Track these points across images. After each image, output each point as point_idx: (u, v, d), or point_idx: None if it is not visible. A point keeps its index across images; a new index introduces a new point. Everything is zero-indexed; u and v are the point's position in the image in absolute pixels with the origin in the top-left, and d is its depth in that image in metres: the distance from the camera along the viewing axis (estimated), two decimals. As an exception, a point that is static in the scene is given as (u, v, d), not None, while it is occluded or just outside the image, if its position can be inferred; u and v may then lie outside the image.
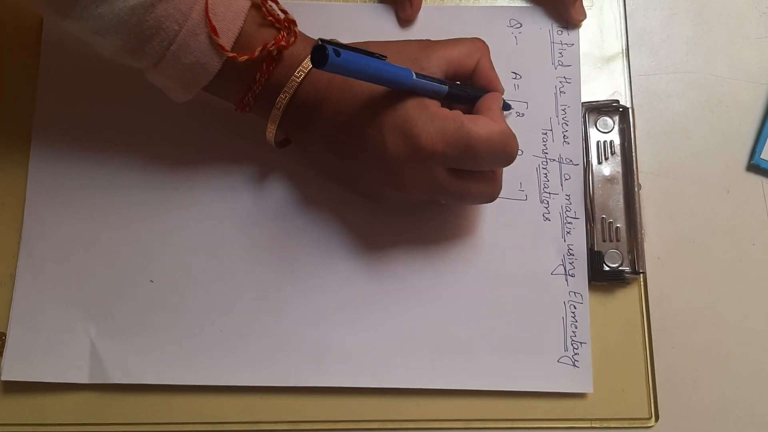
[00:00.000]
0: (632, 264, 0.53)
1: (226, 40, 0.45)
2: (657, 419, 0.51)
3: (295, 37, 0.47)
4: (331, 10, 0.57)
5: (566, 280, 0.52)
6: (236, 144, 0.54)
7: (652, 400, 0.52)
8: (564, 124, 0.55)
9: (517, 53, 0.56)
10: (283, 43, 0.46)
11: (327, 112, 0.47)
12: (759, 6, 0.58)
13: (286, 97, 0.47)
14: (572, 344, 0.51)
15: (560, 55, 0.56)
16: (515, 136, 0.46)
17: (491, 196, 0.49)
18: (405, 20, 0.57)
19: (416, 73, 0.45)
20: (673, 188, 0.55)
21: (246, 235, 0.53)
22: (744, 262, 0.54)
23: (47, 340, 0.51)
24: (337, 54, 0.39)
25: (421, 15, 0.57)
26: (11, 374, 0.51)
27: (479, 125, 0.45)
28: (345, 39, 0.56)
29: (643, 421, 0.51)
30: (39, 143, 0.54)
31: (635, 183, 0.53)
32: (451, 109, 0.47)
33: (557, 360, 0.51)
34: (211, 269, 0.52)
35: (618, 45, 0.57)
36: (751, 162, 0.55)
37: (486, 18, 0.57)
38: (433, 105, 0.46)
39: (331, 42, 0.40)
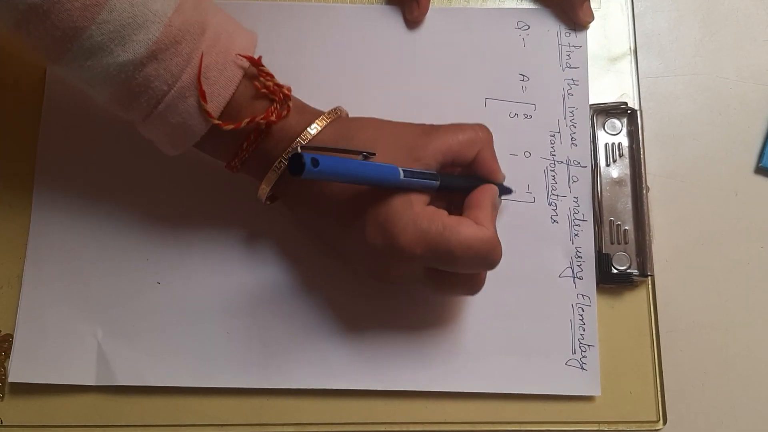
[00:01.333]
0: (640, 267, 0.53)
1: (215, 106, 0.44)
2: (665, 422, 0.51)
3: (288, 111, 0.46)
4: (338, 11, 0.57)
5: (574, 282, 0.52)
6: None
7: (660, 403, 0.51)
8: (572, 126, 0.55)
9: (525, 55, 0.56)
10: (273, 117, 0.45)
11: (316, 187, 0.46)
12: (767, 8, 0.57)
13: (282, 164, 0.46)
14: (580, 347, 0.51)
15: (568, 57, 0.56)
16: (499, 243, 0.44)
17: (472, 292, 0.47)
18: (412, 22, 0.57)
19: (404, 171, 0.43)
20: (681, 191, 0.55)
21: (253, 236, 0.53)
22: (752, 264, 0.54)
23: (54, 342, 0.51)
24: (315, 164, 0.37)
25: (429, 16, 0.57)
26: (19, 376, 0.51)
27: (462, 232, 0.43)
28: (351, 41, 0.56)
29: (651, 424, 0.51)
30: (45, 145, 0.54)
31: (643, 185, 0.53)
32: (449, 197, 0.47)
33: (565, 363, 0.51)
34: (218, 271, 0.52)
35: (626, 47, 0.57)
36: (760, 165, 0.55)
37: (494, 20, 0.57)
38: (419, 203, 0.44)
39: (314, 147, 0.39)
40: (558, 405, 0.51)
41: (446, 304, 0.52)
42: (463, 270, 0.45)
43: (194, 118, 0.44)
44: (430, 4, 0.57)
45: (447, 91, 0.56)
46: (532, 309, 0.52)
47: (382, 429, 0.51)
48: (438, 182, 0.45)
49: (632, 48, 0.57)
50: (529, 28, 0.57)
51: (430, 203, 0.46)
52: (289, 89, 0.46)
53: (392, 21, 0.57)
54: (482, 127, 0.48)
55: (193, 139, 0.46)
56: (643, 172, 0.54)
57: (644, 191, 0.53)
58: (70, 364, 0.51)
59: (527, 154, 0.54)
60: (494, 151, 0.49)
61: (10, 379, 0.51)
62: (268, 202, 0.49)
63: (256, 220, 0.53)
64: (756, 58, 0.57)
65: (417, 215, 0.44)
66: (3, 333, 0.52)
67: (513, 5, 0.57)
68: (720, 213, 0.54)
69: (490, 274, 0.51)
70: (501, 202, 0.51)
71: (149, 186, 0.54)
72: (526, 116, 0.55)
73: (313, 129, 0.46)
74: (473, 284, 0.47)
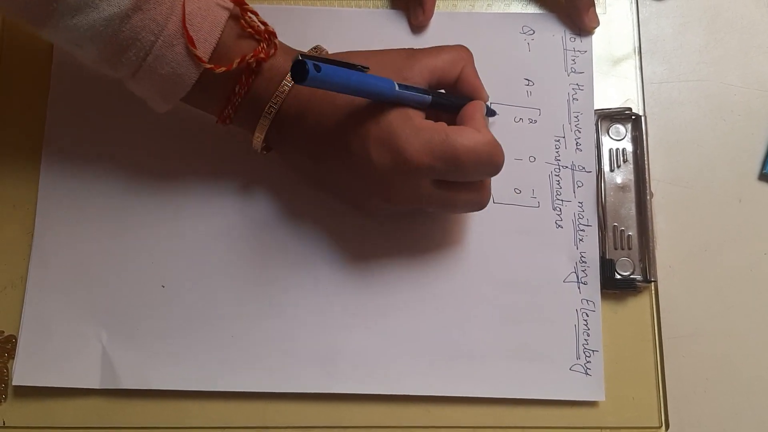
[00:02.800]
0: (644, 272, 0.53)
1: (204, 51, 0.44)
2: (667, 428, 0.51)
3: (276, 49, 0.47)
4: (343, 15, 0.57)
5: (578, 287, 0.52)
6: (242, 148, 0.54)
7: (662, 409, 0.52)
8: (577, 131, 0.55)
9: (530, 60, 0.56)
10: (262, 55, 0.45)
11: (310, 123, 0.47)
12: (772, 15, 0.58)
13: (272, 108, 0.46)
14: (584, 352, 0.51)
15: (573, 62, 0.56)
16: (500, 145, 0.46)
17: (480, 205, 0.49)
18: (417, 26, 0.57)
19: (399, 84, 0.44)
20: (685, 197, 0.55)
21: (258, 241, 0.53)
22: (755, 271, 0.54)
23: (58, 344, 0.51)
24: (317, 69, 0.38)
25: (434, 21, 0.57)
26: (23, 379, 0.51)
27: (464, 136, 0.45)
28: (356, 44, 0.56)
29: (654, 430, 0.51)
30: (50, 147, 0.54)
31: (647, 191, 0.53)
32: (435, 119, 0.47)
33: (569, 368, 0.51)
34: (222, 275, 0.52)
35: (630, 52, 0.57)
36: (763, 171, 0.55)
37: (499, 25, 0.57)
38: (417, 116, 0.46)
39: (311, 56, 0.40)
40: (560, 410, 0.52)
41: (450, 306, 0.52)
42: (469, 176, 0.46)
43: (184, 65, 0.44)
44: (435, 9, 0.57)
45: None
46: (536, 314, 0.52)
47: (385, 433, 0.51)
48: (430, 97, 0.46)
49: (637, 54, 0.57)
50: (534, 32, 0.57)
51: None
52: (273, 29, 0.47)
53: (397, 25, 0.57)
54: (463, 47, 0.50)
55: (184, 89, 0.46)
56: (647, 177, 0.54)
57: (648, 197, 0.53)
58: (74, 367, 0.51)
59: (532, 159, 0.54)
60: (476, 70, 0.50)
61: (15, 383, 0.51)
62: (264, 152, 0.50)
63: (261, 224, 0.53)
64: (760, 65, 0.57)
65: (418, 127, 0.45)
66: (6, 334, 0.52)
67: (518, 10, 0.57)
68: (723, 219, 0.54)
69: (495, 277, 0.52)
70: (488, 121, 0.52)
71: (154, 190, 0.54)
72: (531, 121, 0.55)
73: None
74: (481, 193, 0.48)
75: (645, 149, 0.54)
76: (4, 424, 0.51)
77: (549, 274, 0.53)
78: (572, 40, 0.57)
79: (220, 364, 0.51)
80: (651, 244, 0.53)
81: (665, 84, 0.57)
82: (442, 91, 0.50)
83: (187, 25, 0.44)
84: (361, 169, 0.46)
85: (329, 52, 0.49)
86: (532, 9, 0.57)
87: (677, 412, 0.52)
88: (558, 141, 0.55)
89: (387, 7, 0.57)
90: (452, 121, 0.48)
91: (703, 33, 0.58)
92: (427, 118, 0.47)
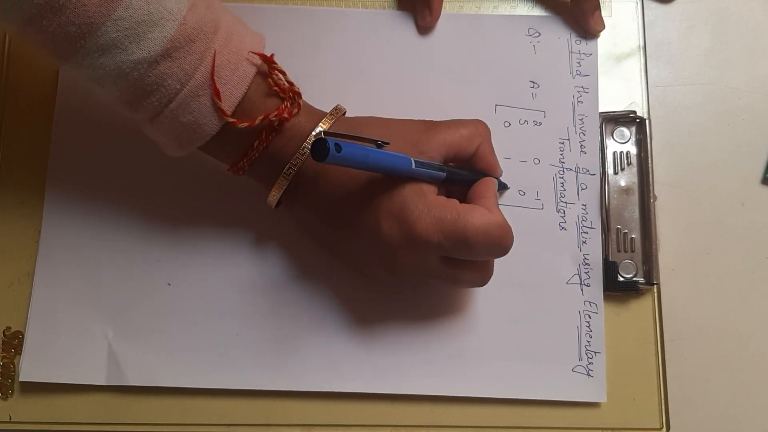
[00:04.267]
0: (646, 275, 0.53)
1: (228, 104, 0.44)
2: (668, 429, 0.52)
3: (299, 109, 0.47)
4: (350, 16, 0.57)
5: (581, 289, 0.53)
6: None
7: (663, 411, 0.52)
8: (581, 134, 0.55)
9: (536, 62, 0.56)
10: (285, 114, 0.46)
11: (323, 188, 0.47)
12: (777, 19, 0.58)
13: (292, 170, 0.46)
14: (587, 353, 0.52)
15: (578, 65, 0.56)
16: (510, 227, 0.46)
17: (482, 282, 0.49)
18: (424, 28, 0.57)
19: (415, 161, 0.45)
20: (688, 200, 0.55)
21: (262, 238, 0.53)
22: (757, 274, 0.54)
23: (65, 341, 0.52)
24: (338, 149, 0.38)
25: (440, 23, 0.57)
26: (29, 375, 0.51)
27: (476, 217, 0.45)
28: (363, 45, 0.56)
29: (655, 431, 0.52)
30: (58, 143, 0.55)
31: (651, 194, 0.54)
32: (446, 190, 0.47)
33: (572, 369, 0.52)
34: (228, 273, 0.53)
35: (636, 56, 0.57)
36: (767, 175, 0.55)
37: (505, 27, 0.57)
38: (431, 193, 0.46)
39: (332, 133, 0.40)
40: (562, 411, 0.52)
41: (453, 308, 0.53)
42: (477, 256, 0.46)
43: (206, 116, 0.44)
44: (442, 10, 0.57)
45: (457, 97, 0.56)
46: (539, 315, 0.52)
47: (386, 432, 0.52)
48: (445, 174, 0.47)
49: (642, 57, 0.57)
50: (539, 35, 0.57)
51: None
52: (299, 89, 0.47)
53: (404, 26, 0.57)
54: (481, 123, 0.50)
55: (202, 138, 0.46)
56: (650, 180, 0.54)
57: (651, 200, 0.54)
58: (81, 363, 0.51)
59: (536, 161, 0.55)
60: (492, 146, 0.50)
61: (21, 379, 0.51)
62: (275, 207, 0.50)
63: (265, 222, 0.53)
64: (765, 69, 0.57)
65: (431, 204, 0.45)
66: (13, 330, 0.52)
67: (524, 12, 0.57)
68: (726, 223, 0.55)
69: (498, 279, 0.52)
70: (500, 196, 0.53)
71: (161, 188, 0.54)
72: (535, 123, 0.55)
73: (323, 127, 0.46)
74: (484, 272, 0.48)
75: (649, 152, 0.54)
76: (10, 419, 0.51)
77: (552, 275, 0.53)
78: (578, 42, 0.57)
79: (225, 361, 0.51)
80: (654, 246, 0.53)
81: (670, 87, 0.57)
82: (452, 164, 0.50)
83: (215, 78, 0.43)
84: (370, 240, 0.46)
85: (344, 110, 0.49)
86: (538, 11, 0.57)
87: (678, 414, 0.52)
88: (562, 143, 0.55)
89: (394, 8, 0.57)
90: (463, 194, 0.48)
91: (709, 36, 0.58)
92: (438, 189, 0.47)
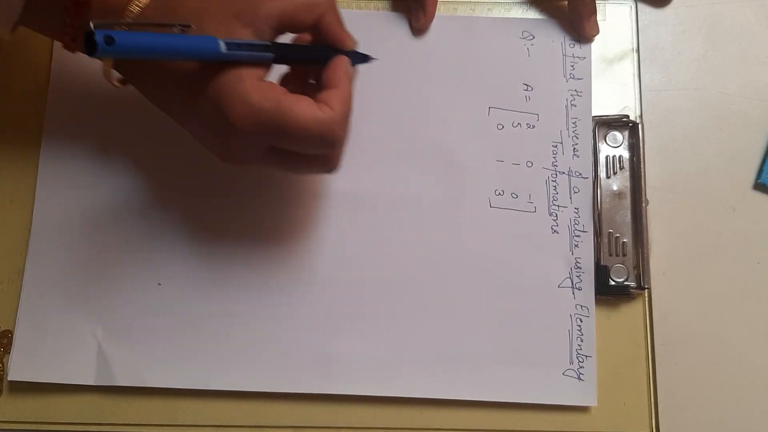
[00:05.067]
0: (638, 279, 0.53)
1: None
2: (658, 434, 0.52)
3: None
4: (345, 17, 0.56)
5: (573, 293, 0.53)
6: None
7: (653, 415, 0.52)
8: (574, 137, 0.55)
9: (529, 65, 0.56)
10: None
11: (147, 65, 0.43)
12: (770, 25, 0.58)
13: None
14: (578, 357, 0.52)
15: (572, 68, 0.56)
16: (344, 123, 0.42)
17: (327, 168, 0.45)
18: (418, 29, 0.57)
19: (227, 42, 0.39)
20: (680, 205, 0.55)
21: (254, 240, 0.53)
22: (748, 280, 0.54)
23: (54, 341, 0.51)
24: (109, 41, 0.35)
25: (435, 25, 0.57)
26: (18, 374, 0.51)
27: (298, 111, 0.40)
28: (358, 49, 0.56)
29: (644, 436, 0.52)
30: (48, 142, 0.54)
31: (643, 198, 0.54)
32: (302, 77, 0.44)
33: (562, 373, 0.52)
34: (219, 274, 0.53)
35: (629, 60, 0.57)
36: (758, 181, 0.55)
37: (499, 29, 0.57)
38: (251, 78, 0.41)
39: (115, 22, 0.37)
40: (552, 414, 0.52)
41: (445, 310, 0.52)
42: (304, 149, 0.43)
43: None
44: (436, 12, 0.57)
45: (451, 99, 0.56)
46: (530, 318, 0.52)
47: (377, 434, 0.52)
48: (272, 54, 0.42)
49: (635, 61, 0.57)
50: (534, 38, 0.57)
51: (288, 82, 0.44)
52: None
53: (398, 28, 0.57)
54: None
55: (14, 11, 0.43)
56: (643, 185, 0.54)
57: (644, 204, 0.54)
58: (70, 363, 0.51)
59: (529, 164, 0.55)
60: (340, 16, 0.45)
61: (10, 378, 0.51)
62: (119, 85, 0.46)
63: (255, 223, 0.53)
64: (758, 75, 0.57)
65: (247, 91, 0.40)
66: (2, 329, 0.52)
67: (518, 15, 0.57)
68: (718, 228, 0.55)
69: (490, 281, 0.52)
70: (356, 70, 0.47)
71: (152, 187, 0.54)
72: (529, 126, 0.55)
73: (136, 5, 0.42)
74: (324, 162, 0.45)
75: (641, 156, 0.54)
76: (-2, 418, 0.51)
77: (544, 279, 0.53)
78: (572, 46, 0.57)
79: (215, 362, 0.51)
80: (645, 251, 0.53)
81: (663, 92, 0.57)
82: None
83: None
84: (195, 125, 0.44)
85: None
86: (532, 14, 0.57)
87: (668, 418, 0.52)
88: (555, 147, 0.55)
89: (388, 9, 0.57)
90: (319, 76, 0.44)
91: (702, 42, 0.58)
92: (292, 75, 0.44)
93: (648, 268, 0.53)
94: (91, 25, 0.35)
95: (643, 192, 0.54)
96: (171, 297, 0.52)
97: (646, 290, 0.53)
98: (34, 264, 0.53)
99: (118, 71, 0.45)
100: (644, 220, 0.53)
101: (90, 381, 0.51)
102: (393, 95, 0.56)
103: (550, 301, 0.53)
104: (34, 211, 0.53)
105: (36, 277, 0.52)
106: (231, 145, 0.43)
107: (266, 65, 0.42)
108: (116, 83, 0.45)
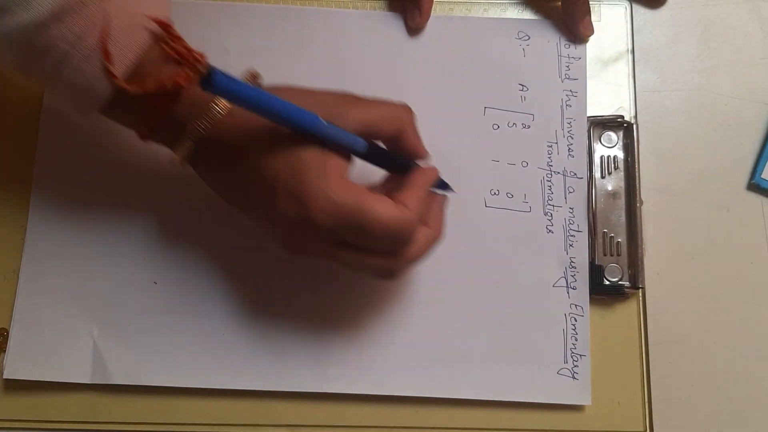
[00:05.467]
0: (632, 279, 0.53)
1: (121, 69, 0.42)
2: (652, 432, 0.52)
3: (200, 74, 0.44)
4: (339, 16, 0.57)
5: (568, 292, 0.53)
6: None
7: (647, 414, 0.52)
8: (569, 138, 0.55)
9: (525, 65, 0.57)
10: (181, 80, 0.43)
11: (224, 151, 0.44)
12: (764, 27, 0.58)
13: (192, 133, 0.44)
14: (572, 356, 0.52)
15: (567, 69, 0.57)
16: (418, 224, 0.44)
17: (391, 273, 0.46)
18: (414, 29, 0.57)
19: (326, 121, 0.41)
20: (674, 205, 0.55)
21: (249, 238, 0.53)
22: (741, 280, 0.54)
23: (50, 339, 0.51)
24: (226, 80, 0.37)
25: (430, 24, 0.57)
26: (13, 373, 0.51)
27: (378, 210, 0.42)
28: (353, 46, 0.56)
29: (638, 434, 0.52)
30: (45, 140, 0.54)
31: (637, 198, 0.54)
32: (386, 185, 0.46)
33: (557, 372, 0.52)
34: (214, 273, 0.53)
35: (624, 61, 0.57)
36: (752, 181, 0.55)
37: (494, 30, 0.57)
38: (337, 167, 0.43)
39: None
40: (547, 413, 0.52)
41: (440, 310, 0.53)
42: (377, 247, 0.44)
43: (99, 80, 0.43)
44: (432, 12, 0.57)
45: (446, 99, 0.56)
46: (525, 317, 0.53)
47: (373, 432, 0.52)
48: (365, 145, 0.44)
49: (630, 62, 0.57)
50: (529, 38, 0.57)
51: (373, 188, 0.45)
52: (202, 55, 0.44)
53: (394, 28, 0.57)
54: (405, 106, 0.47)
55: (97, 103, 0.44)
56: (637, 185, 0.54)
57: (638, 204, 0.54)
58: (66, 361, 0.51)
59: (524, 164, 0.55)
60: (417, 131, 0.47)
61: (6, 376, 0.51)
62: (183, 169, 0.47)
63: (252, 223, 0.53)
64: (752, 76, 0.57)
65: (332, 186, 0.42)
66: (-2, 327, 0.52)
67: (514, 15, 0.58)
68: (711, 228, 0.55)
69: (485, 280, 0.52)
70: (447, 199, 0.49)
71: (147, 186, 0.54)
72: (524, 126, 0.56)
73: (223, 102, 0.44)
74: (394, 264, 0.45)
75: (636, 157, 0.55)
76: (-7, 416, 0.51)
77: (539, 278, 0.53)
78: (567, 46, 0.57)
79: (211, 361, 0.51)
80: (639, 251, 0.53)
81: (657, 93, 0.57)
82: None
83: (109, 42, 0.42)
84: (267, 213, 0.44)
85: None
86: (528, 15, 0.58)
87: (662, 417, 0.52)
88: (551, 147, 0.55)
89: (384, 9, 0.57)
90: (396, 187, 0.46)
91: (696, 43, 0.58)
92: (351, 168, 0.45)
93: (642, 268, 0.53)
94: (210, 66, 0.38)
95: (637, 192, 0.54)
96: (167, 296, 0.52)
97: (640, 290, 0.54)
98: (30, 262, 0.53)
99: (192, 162, 0.46)
100: (638, 220, 0.54)
101: (86, 379, 0.51)
102: (388, 95, 0.55)
103: (544, 301, 0.53)
104: (30, 209, 0.53)
105: (32, 275, 0.52)
106: (301, 237, 0.44)
107: (351, 163, 0.44)
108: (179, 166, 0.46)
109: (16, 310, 0.52)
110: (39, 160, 0.54)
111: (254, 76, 0.46)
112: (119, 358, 0.51)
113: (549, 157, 0.55)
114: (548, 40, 0.57)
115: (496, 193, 0.54)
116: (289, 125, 0.42)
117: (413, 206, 0.43)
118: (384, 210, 0.42)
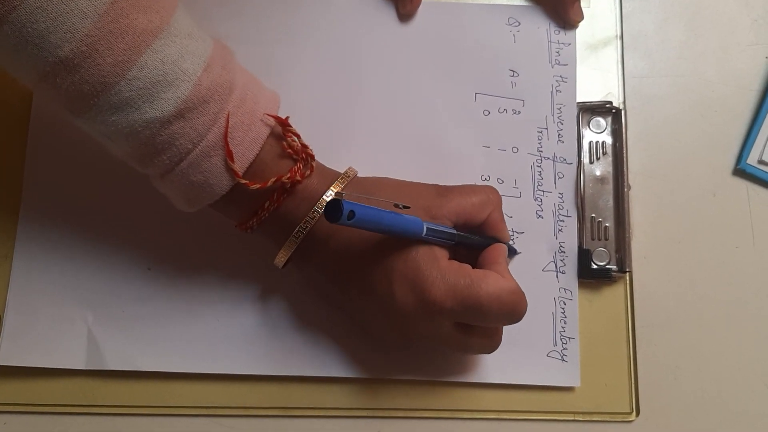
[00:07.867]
0: (619, 263, 0.54)
1: (240, 165, 0.44)
2: (638, 414, 0.53)
3: (311, 171, 0.46)
4: (331, 3, 0.57)
5: (557, 276, 0.54)
6: None
7: (633, 395, 0.53)
8: (559, 123, 0.56)
9: (515, 51, 0.57)
10: (298, 176, 0.45)
11: (334, 249, 0.47)
12: (751, 13, 0.59)
13: (301, 233, 0.46)
14: (561, 339, 0.53)
15: (557, 54, 0.57)
16: (524, 294, 0.46)
17: (492, 348, 0.49)
18: (405, 15, 0.57)
19: (427, 228, 0.44)
20: (661, 189, 0.56)
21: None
22: (727, 264, 0.55)
23: (44, 325, 0.52)
24: (351, 215, 0.38)
25: (421, 11, 0.57)
26: (8, 359, 0.51)
27: (490, 283, 0.44)
28: (344, 32, 0.56)
29: (625, 416, 0.53)
30: (36, 124, 0.54)
31: (625, 183, 0.55)
32: (454, 253, 0.48)
33: (546, 354, 0.53)
34: (208, 258, 0.53)
35: (613, 47, 0.58)
36: (738, 166, 0.56)
37: (485, 15, 0.57)
38: (443, 258, 0.46)
39: (343, 196, 0.40)
40: (537, 395, 0.53)
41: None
42: (490, 322, 0.47)
43: (217, 176, 0.44)
44: (423, -1, 0.57)
45: (437, 85, 0.56)
46: (515, 301, 0.53)
47: (364, 415, 0.52)
48: (456, 239, 0.47)
49: (619, 48, 0.58)
50: (519, 24, 0.57)
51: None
52: (312, 151, 0.47)
53: (385, 14, 0.57)
54: (493, 190, 0.50)
55: (212, 197, 0.45)
56: (625, 170, 0.55)
57: (626, 189, 0.55)
58: (60, 347, 0.51)
59: (515, 150, 0.55)
60: (503, 214, 0.50)
61: (0, 362, 0.51)
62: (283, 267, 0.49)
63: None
64: (739, 62, 0.58)
65: (444, 269, 0.45)
66: (-9, 313, 0.52)
67: (504, 2, 0.58)
68: (698, 213, 0.56)
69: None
70: (510, 261, 0.53)
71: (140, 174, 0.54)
72: (514, 112, 0.56)
73: (335, 190, 0.46)
74: (494, 339, 0.49)
75: (624, 142, 0.55)
76: (-13, 401, 0.52)
77: (529, 262, 0.54)
78: (557, 32, 0.57)
79: (205, 346, 0.52)
80: (627, 235, 0.54)
81: (646, 78, 0.58)
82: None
83: (228, 138, 0.43)
84: (384, 304, 0.46)
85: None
86: (518, 1, 0.58)
87: (648, 398, 0.53)
88: (541, 132, 0.56)
89: (375, -5, 0.58)
90: (472, 257, 0.48)
91: (684, 29, 0.59)
92: (449, 253, 0.47)
93: (629, 252, 0.54)
94: (335, 195, 0.42)
95: (625, 177, 0.55)
96: (161, 282, 0.52)
97: (627, 273, 0.54)
98: (23, 248, 0.53)
99: (297, 264, 0.49)
100: (626, 205, 0.54)
101: (80, 365, 0.51)
102: (379, 81, 0.56)
103: (534, 285, 0.53)
104: (23, 194, 0.53)
105: (25, 261, 0.52)
106: (416, 324, 0.46)
107: (448, 247, 0.47)
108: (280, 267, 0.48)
109: (9, 297, 0.52)
110: (31, 146, 0.54)
111: (351, 174, 0.48)
112: (114, 344, 0.51)
113: (539, 143, 0.56)
114: (538, 25, 0.57)
115: (487, 178, 0.55)
116: (397, 236, 0.45)
117: (511, 279, 0.46)
118: (495, 283, 0.45)
